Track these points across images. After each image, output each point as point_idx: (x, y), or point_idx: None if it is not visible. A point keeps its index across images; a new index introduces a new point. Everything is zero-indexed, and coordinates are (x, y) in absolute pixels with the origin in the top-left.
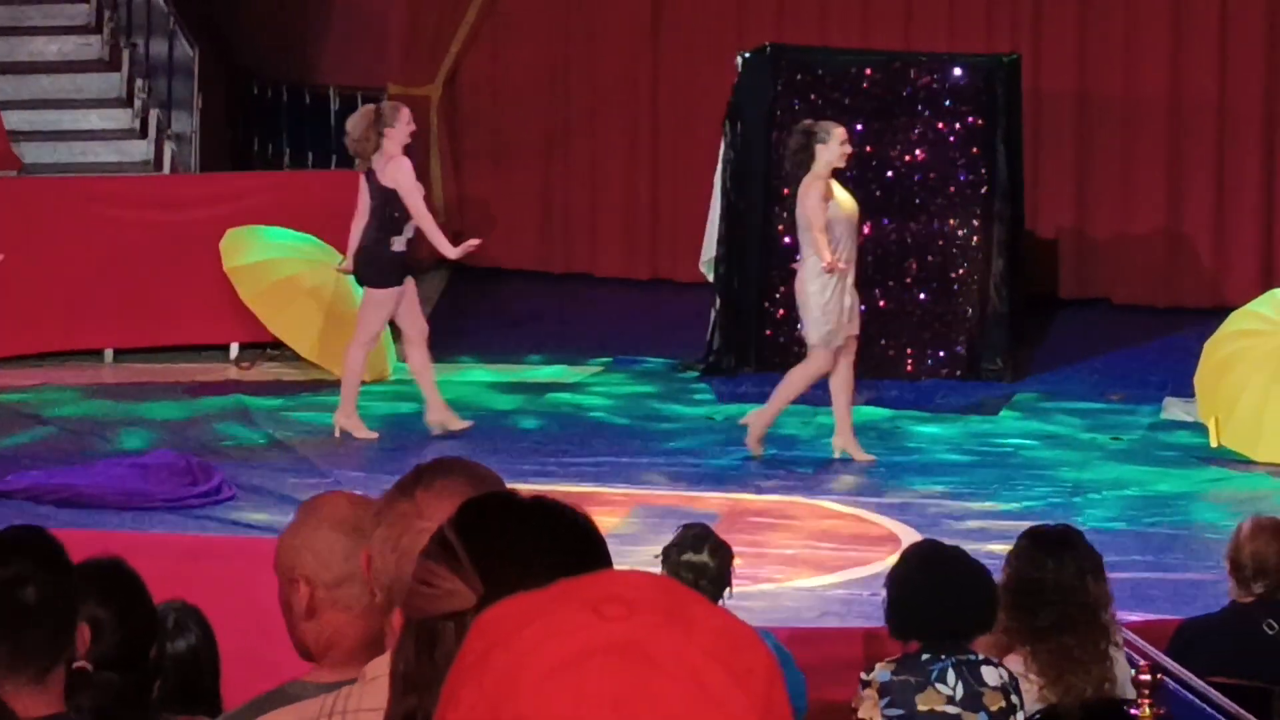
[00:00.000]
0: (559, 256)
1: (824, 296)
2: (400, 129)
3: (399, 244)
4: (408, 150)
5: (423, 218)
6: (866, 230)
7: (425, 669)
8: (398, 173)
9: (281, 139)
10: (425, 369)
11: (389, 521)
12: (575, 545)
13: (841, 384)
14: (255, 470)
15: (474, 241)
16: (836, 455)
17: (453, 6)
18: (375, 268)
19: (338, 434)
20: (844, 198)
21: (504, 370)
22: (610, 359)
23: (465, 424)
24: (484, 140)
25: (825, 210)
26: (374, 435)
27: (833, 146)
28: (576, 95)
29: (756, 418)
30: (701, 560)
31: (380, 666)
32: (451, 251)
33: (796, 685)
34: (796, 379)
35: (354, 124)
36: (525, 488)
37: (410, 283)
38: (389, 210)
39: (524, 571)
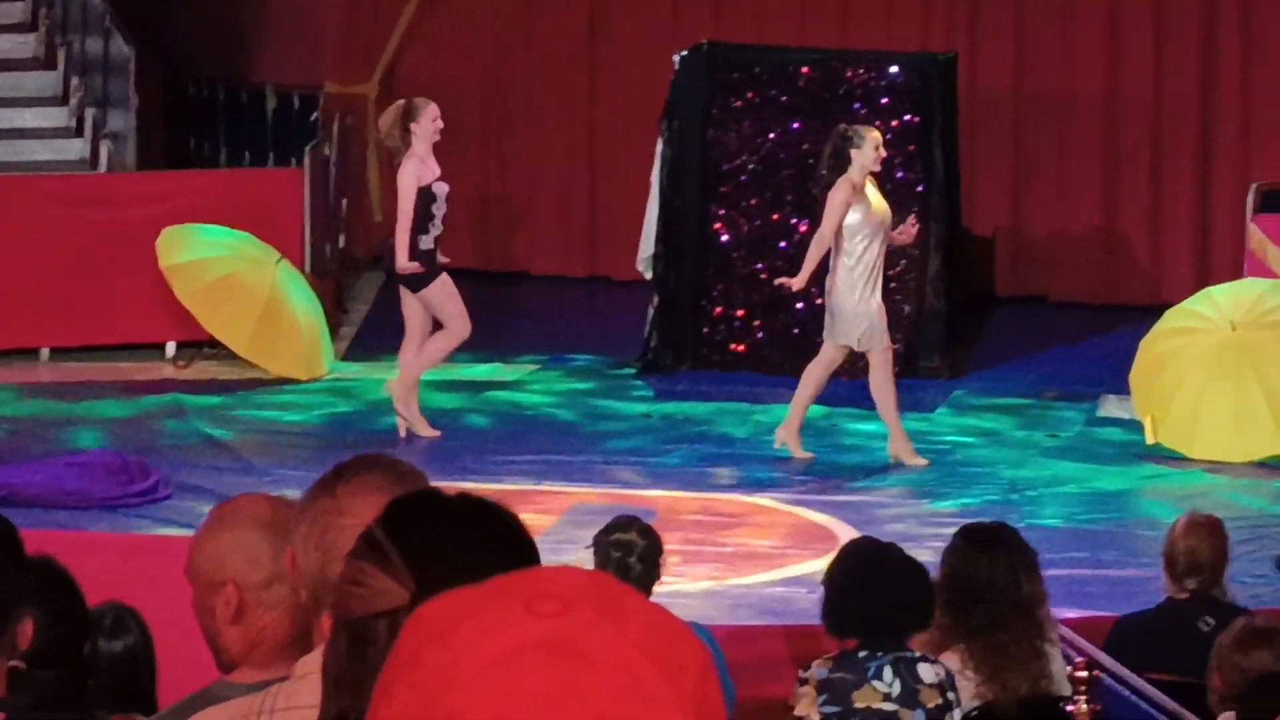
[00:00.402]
0: (496, 255)
1: (853, 299)
2: (425, 125)
3: (427, 241)
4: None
5: (400, 222)
6: (803, 229)
7: (358, 669)
8: (402, 171)
9: (218, 137)
10: (425, 362)
11: (311, 519)
12: (504, 541)
13: (884, 392)
14: (192, 469)
15: (444, 259)
16: (892, 462)
17: (390, 4)
18: (417, 262)
19: (402, 435)
20: (877, 202)
21: (441, 368)
22: (548, 357)
23: (434, 433)
24: None
25: (843, 213)
26: (436, 433)
27: (866, 150)
28: (513, 93)
29: (785, 431)
30: (629, 538)
31: (310, 664)
32: (403, 266)
33: (726, 688)
34: (813, 375)
35: (383, 120)
36: (463, 486)
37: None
38: (418, 208)
39: (454, 568)
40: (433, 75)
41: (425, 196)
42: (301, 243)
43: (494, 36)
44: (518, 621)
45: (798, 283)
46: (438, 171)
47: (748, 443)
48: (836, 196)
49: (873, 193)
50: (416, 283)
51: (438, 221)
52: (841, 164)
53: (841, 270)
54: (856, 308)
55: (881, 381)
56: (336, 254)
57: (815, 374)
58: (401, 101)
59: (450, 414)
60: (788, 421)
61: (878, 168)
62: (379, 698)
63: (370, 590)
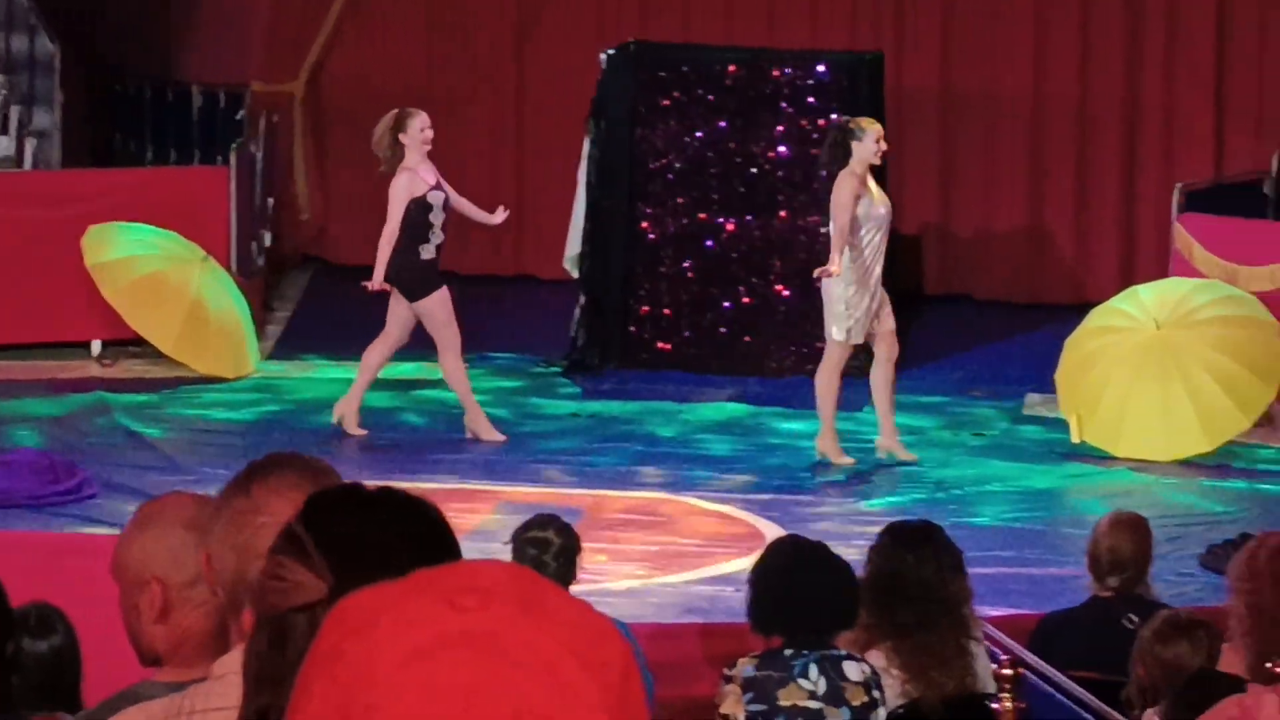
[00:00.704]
0: None
1: (847, 293)
2: (413, 134)
3: (428, 251)
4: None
5: (384, 236)
6: (730, 228)
7: (278, 664)
8: (393, 185)
9: (144, 135)
10: (458, 378)
11: (227, 519)
12: (423, 535)
13: (882, 385)
14: (118, 468)
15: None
16: (881, 457)
17: (316, 3)
18: (412, 277)
19: (469, 436)
20: (879, 195)
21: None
22: (475, 356)
23: (501, 438)
24: (348, 137)
25: (853, 207)
26: (501, 437)
27: (867, 143)
28: (440, 92)
29: (821, 441)
30: (545, 536)
31: (228, 664)
32: (372, 285)
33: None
34: (824, 381)
35: (375, 131)
36: (390, 484)
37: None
38: (414, 219)
39: (373, 562)
40: (359, 74)
41: (420, 208)
42: (228, 241)
43: (421, 35)
44: (439, 616)
45: (834, 268)
46: (432, 181)
47: (674, 441)
48: (843, 190)
49: (875, 187)
50: (414, 291)
51: (437, 230)
52: (842, 157)
53: (841, 264)
54: (849, 299)
55: (880, 373)
56: (263, 252)
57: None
58: (393, 112)
59: (379, 412)
60: (821, 432)
61: (878, 160)
62: (299, 692)
63: (289, 584)
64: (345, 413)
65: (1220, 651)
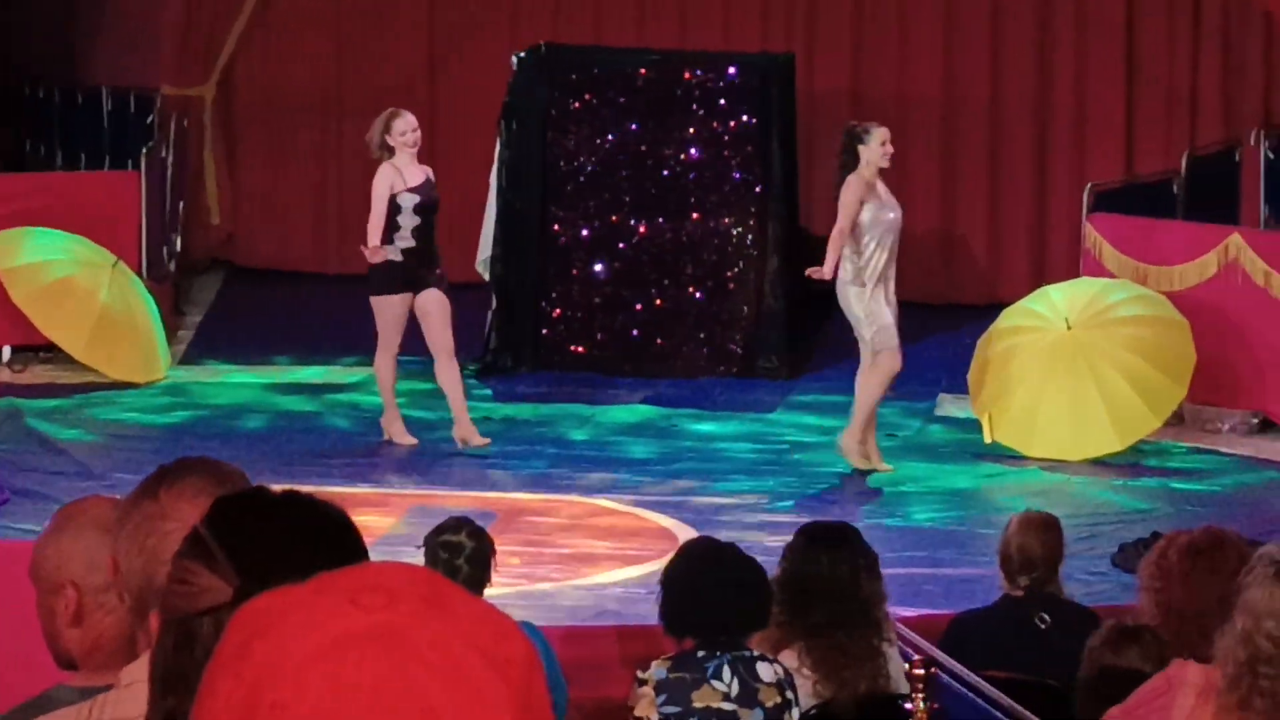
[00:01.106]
0: (335, 257)
1: (863, 300)
2: (395, 136)
3: (393, 252)
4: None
5: (370, 224)
6: (643, 230)
7: (184, 667)
8: (375, 178)
9: (53, 140)
10: (452, 385)
11: (135, 524)
12: (330, 538)
13: (868, 391)
14: (29, 474)
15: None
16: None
17: (226, 6)
18: (376, 270)
19: (385, 438)
20: (889, 200)
21: (282, 371)
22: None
23: (484, 440)
24: (259, 141)
25: (857, 211)
26: (413, 441)
27: (873, 146)
28: (351, 95)
29: (848, 437)
30: (458, 539)
31: (135, 672)
32: (375, 255)
33: (558, 688)
34: (871, 385)
35: (372, 126)
36: (302, 488)
37: (428, 295)
38: (388, 215)
39: (279, 564)
40: (270, 77)
41: (392, 206)
42: (138, 246)
43: (331, 38)
44: (344, 615)
45: (825, 271)
46: (414, 182)
47: (587, 444)
48: (848, 193)
49: (885, 192)
50: (373, 284)
51: (405, 234)
52: (851, 161)
53: (849, 271)
54: (867, 308)
55: (870, 378)
56: (173, 257)
57: (863, 380)
58: (386, 111)
59: (292, 416)
60: (848, 428)
61: (886, 164)
62: (204, 692)
63: (195, 588)
64: (389, 428)
65: (1169, 654)
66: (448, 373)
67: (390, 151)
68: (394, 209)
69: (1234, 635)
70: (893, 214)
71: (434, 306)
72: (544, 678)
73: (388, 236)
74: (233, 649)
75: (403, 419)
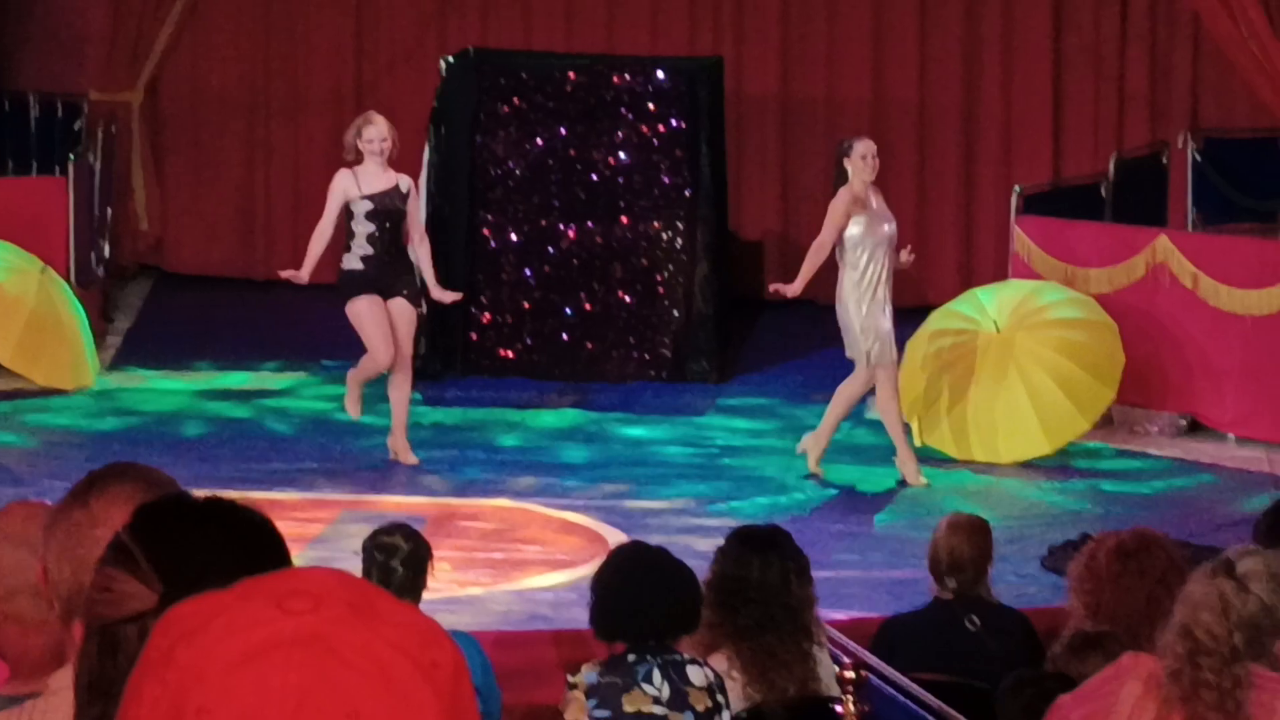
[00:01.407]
0: (262, 262)
1: (860, 313)
2: (362, 141)
3: (351, 260)
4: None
5: (318, 227)
6: (572, 234)
7: (109, 675)
8: (332, 182)
9: None
10: (399, 400)
11: (64, 531)
12: (253, 543)
13: (889, 411)
14: None
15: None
16: (902, 480)
17: (154, 12)
18: (339, 279)
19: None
20: (882, 213)
21: (211, 377)
22: (318, 364)
23: (415, 460)
24: (186, 146)
25: (841, 225)
26: (414, 460)
27: (854, 160)
28: (279, 100)
29: (813, 442)
30: (393, 541)
31: (63, 678)
32: (299, 276)
33: (493, 696)
34: (842, 397)
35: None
36: (231, 495)
37: (393, 304)
38: (345, 222)
39: (202, 570)
40: (198, 82)
41: (346, 212)
42: (66, 251)
43: (259, 43)
44: (269, 619)
45: (792, 289)
46: (371, 189)
47: (517, 449)
48: (836, 205)
49: (879, 205)
50: (340, 293)
51: (361, 241)
52: (841, 175)
53: (846, 284)
54: (864, 322)
55: (887, 400)
56: (101, 263)
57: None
58: (362, 115)
59: (222, 422)
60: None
61: (870, 175)
62: (129, 697)
63: (118, 595)
64: (394, 447)
65: None
66: (399, 387)
67: (360, 156)
68: (348, 215)
69: (1174, 629)
70: (886, 226)
71: (397, 317)
72: (471, 683)
73: (345, 244)
74: (158, 654)
75: (406, 437)
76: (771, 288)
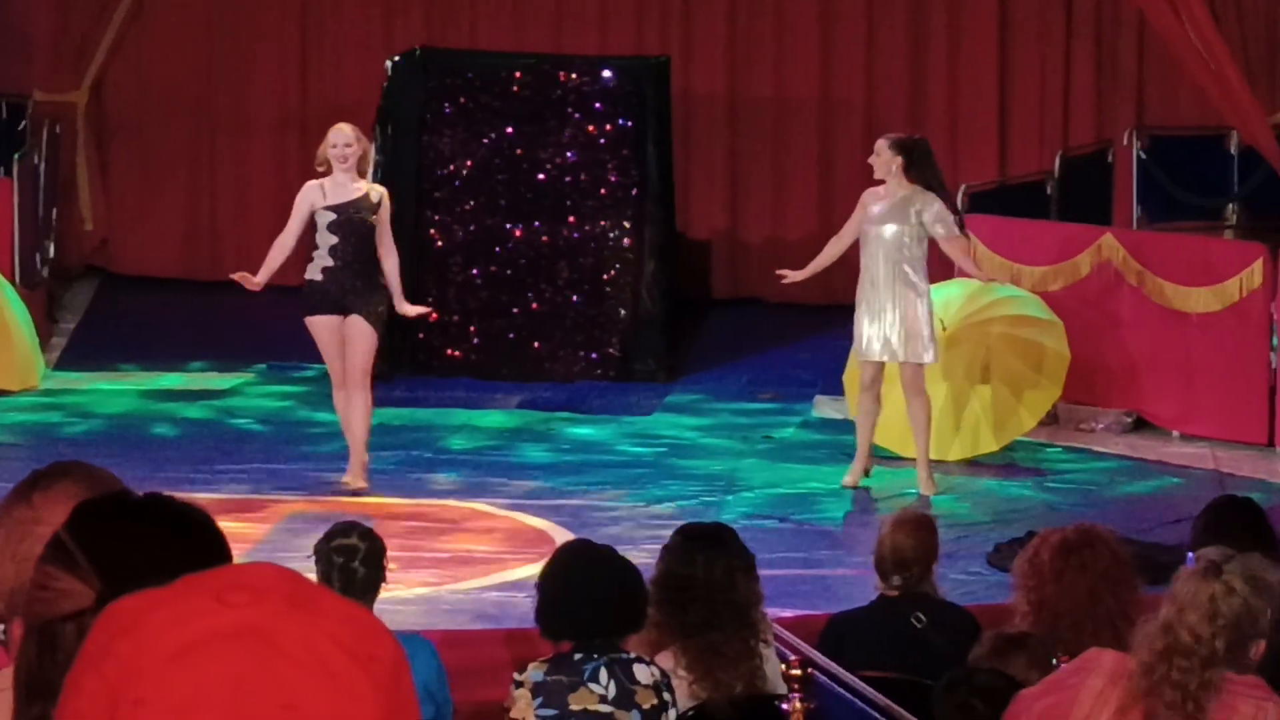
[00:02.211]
0: (207, 264)
1: (859, 310)
2: (328, 149)
3: (313, 270)
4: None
5: (279, 238)
6: (518, 234)
7: (48, 673)
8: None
9: None
10: (350, 419)
11: (7, 528)
12: (194, 541)
13: (868, 413)
14: None
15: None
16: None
17: (99, 12)
18: (303, 290)
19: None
20: (875, 214)
21: (155, 378)
22: (264, 366)
23: (362, 485)
24: (132, 146)
25: (857, 218)
26: (363, 485)
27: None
28: (224, 100)
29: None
30: (351, 543)
31: (4, 679)
32: (251, 282)
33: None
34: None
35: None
36: (160, 492)
37: (350, 321)
38: (311, 235)
39: (141, 567)
40: (143, 82)
41: (310, 223)
42: (11, 252)
43: (204, 43)
44: (208, 612)
45: (796, 275)
46: (335, 200)
47: (465, 448)
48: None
49: (876, 201)
50: (301, 305)
51: (323, 253)
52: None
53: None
54: (860, 319)
55: (909, 397)
56: (46, 263)
57: (860, 400)
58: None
59: (166, 422)
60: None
61: (880, 175)
62: (68, 691)
63: (57, 592)
64: (349, 470)
65: (1055, 660)
66: (354, 407)
67: (330, 168)
68: (311, 225)
69: (1155, 624)
70: (871, 228)
71: (352, 336)
72: (411, 677)
73: (309, 255)
74: (96, 648)
75: (365, 463)
76: (777, 272)
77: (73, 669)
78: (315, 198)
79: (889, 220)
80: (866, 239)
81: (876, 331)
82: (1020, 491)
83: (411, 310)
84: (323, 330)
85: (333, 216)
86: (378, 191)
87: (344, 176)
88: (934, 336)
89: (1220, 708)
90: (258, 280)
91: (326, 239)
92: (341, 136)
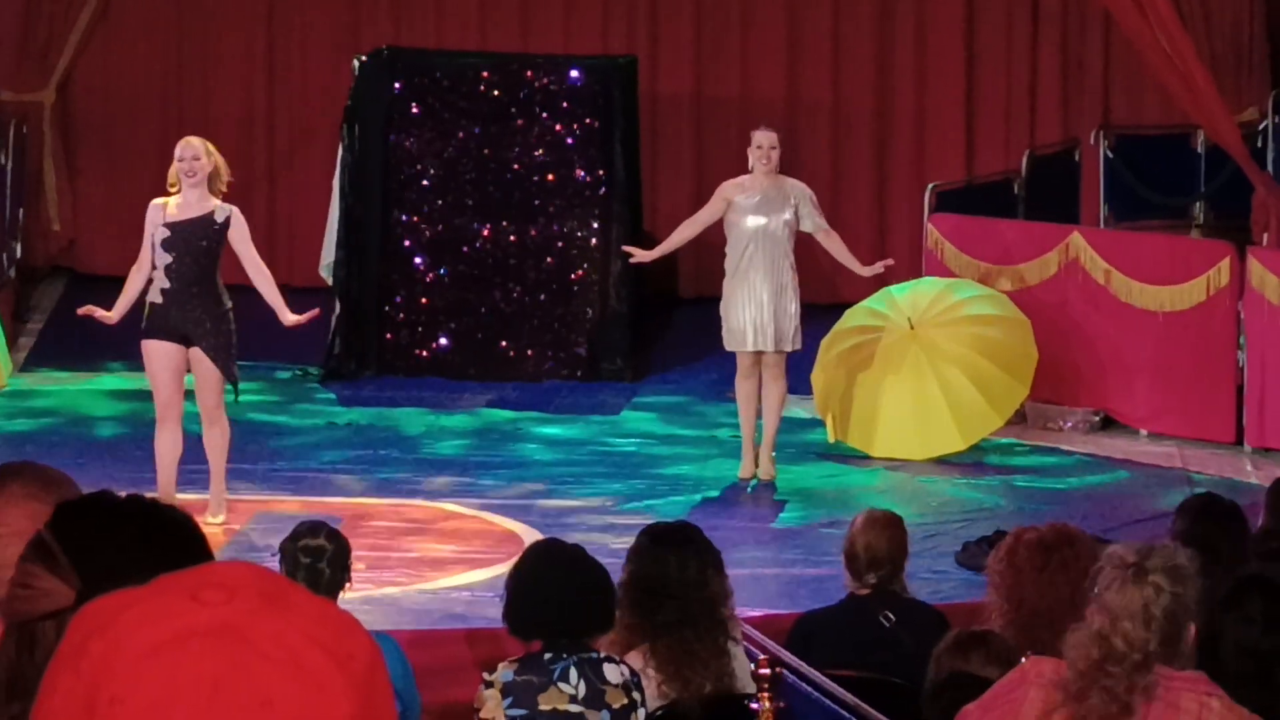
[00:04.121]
0: None
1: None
2: (176, 163)
3: (153, 292)
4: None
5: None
6: (486, 233)
7: (27, 672)
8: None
9: None
10: (210, 451)
11: None
12: (173, 540)
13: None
14: None
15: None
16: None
17: (65, 11)
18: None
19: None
20: (750, 203)
21: (124, 378)
22: None
23: (220, 517)
24: (99, 146)
25: (715, 209)
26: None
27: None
28: (191, 99)
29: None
30: (318, 543)
31: None
32: (104, 316)
33: (414, 702)
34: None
35: None
36: (139, 493)
37: (195, 354)
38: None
39: (121, 567)
40: (110, 82)
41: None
42: None
43: (171, 42)
44: (183, 610)
45: (644, 255)
46: (176, 217)
47: (432, 448)
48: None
49: (741, 193)
50: (142, 327)
51: (160, 273)
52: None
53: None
54: (733, 309)
55: (769, 381)
56: (13, 264)
57: (740, 389)
58: None
59: (135, 423)
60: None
61: (759, 164)
62: (44, 689)
63: (36, 591)
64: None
65: (1016, 657)
66: (208, 440)
67: (179, 184)
68: (152, 245)
69: (1088, 633)
70: (742, 219)
71: (198, 371)
72: (387, 675)
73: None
74: (72, 646)
75: (225, 495)
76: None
77: (49, 668)
78: (156, 215)
79: (766, 211)
80: (737, 230)
81: (753, 321)
82: (988, 490)
83: (294, 319)
84: (157, 356)
85: (167, 234)
86: (225, 211)
87: (193, 194)
88: (799, 325)
89: (1163, 706)
90: (112, 315)
91: (162, 258)
92: (189, 150)
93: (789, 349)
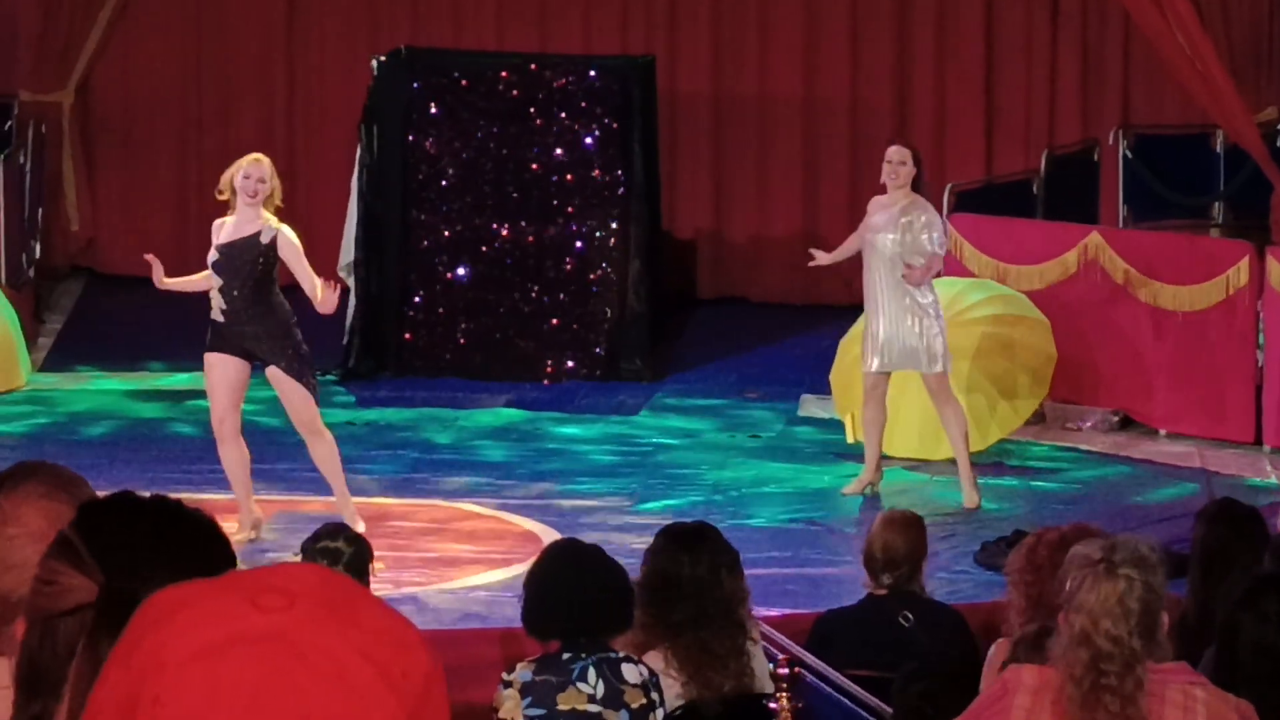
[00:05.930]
0: (194, 263)
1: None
2: (236, 181)
3: (213, 311)
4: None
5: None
6: (505, 233)
7: (49, 667)
8: None
9: None
10: (322, 466)
11: None
12: (195, 540)
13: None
14: None
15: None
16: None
17: (84, 11)
18: None
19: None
20: (876, 220)
21: (142, 378)
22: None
23: (250, 534)
24: (117, 146)
25: (862, 225)
26: (252, 534)
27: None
28: (210, 99)
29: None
30: (336, 545)
31: (3, 676)
32: (158, 273)
33: None
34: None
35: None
36: (163, 493)
37: (273, 375)
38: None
39: (143, 564)
40: (130, 83)
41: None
42: None
43: (191, 43)
44: (239, 614)
45: (824, 257)
46: (226, 238)
47: (451, 448)
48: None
49: (879, 210)
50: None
51: (215, 294)
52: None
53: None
54: (865, 327)
55: (938, 407)
56: (32, 263)
57: (864, 410)
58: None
59: (151, 423)
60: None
61: (888, 180)
62: (100, 679)
63: (60, 587)
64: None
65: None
66: (313, 454)
67: (234, 200)
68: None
69: (1071, 637)
70: (873, 236)
71: (283, 390)
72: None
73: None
74: (130, 640)
75: (255, 513)
76: (811, 249)
77: (109, 657)
78: (214, 236)
79: (888, 229)
80: (869, 247)
81: (873, 340)
82: (1007, 490)
83: (327, 301)
84: (216, 369)
85: (216, 257)
86: (270, 230)
87: (249, 212)
88: (943, 347)
89: (1150, 699)
90: (164, 279)
91: (215, 280)
92: (259, 169)
93: (921, 369)
